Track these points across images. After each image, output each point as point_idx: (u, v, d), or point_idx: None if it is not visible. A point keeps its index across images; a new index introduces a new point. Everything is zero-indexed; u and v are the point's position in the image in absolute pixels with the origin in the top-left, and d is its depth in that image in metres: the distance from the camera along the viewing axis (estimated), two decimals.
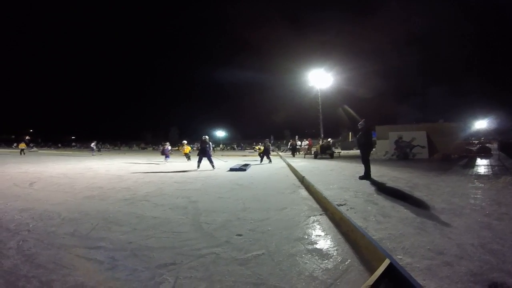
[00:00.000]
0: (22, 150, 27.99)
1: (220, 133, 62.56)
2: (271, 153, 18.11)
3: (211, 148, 12.39)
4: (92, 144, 26.68)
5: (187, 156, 17.08)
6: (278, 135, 63.14)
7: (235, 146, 59.05)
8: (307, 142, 26.19)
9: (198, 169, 11.31)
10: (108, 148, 53.89)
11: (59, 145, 67.13)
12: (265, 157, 15.88)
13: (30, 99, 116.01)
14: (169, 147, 16.80)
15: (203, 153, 11.66)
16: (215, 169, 11.27)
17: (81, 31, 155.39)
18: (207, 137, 11.93)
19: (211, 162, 11.64)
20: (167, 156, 16.47)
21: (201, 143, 11.92)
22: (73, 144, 67.35)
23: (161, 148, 17.75)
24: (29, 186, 7.37)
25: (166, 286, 2.23)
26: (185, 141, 18.04)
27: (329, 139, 25.26)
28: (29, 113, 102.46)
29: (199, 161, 11.81)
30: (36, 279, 2.36)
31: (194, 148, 21.76)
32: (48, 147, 58.96)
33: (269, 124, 74.01)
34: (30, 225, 3.86)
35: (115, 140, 68.48)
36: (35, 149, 46.56)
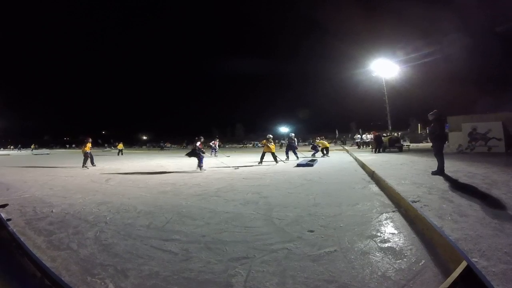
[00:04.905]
0: (120, 150, 28.49)
1: (284, 129, 61.92)
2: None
3: (296, 143, 15.53)
4: (212, 143, 23.92)
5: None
6: (343, 128, 60.66)
7: (300, 141, 58.64)
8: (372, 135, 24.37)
9: (265, 165, 12.27)
10: (174, 147, 57.34)
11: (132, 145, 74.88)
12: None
13: (100, 101, 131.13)
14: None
15: (290, 147, 14.87)
16: (281, 165, 12.30)
17: (154, 33, 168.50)
18: (293, 134, 15.62)
19: (295, 153, 14.76)
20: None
21: (289, 140, 15.44)
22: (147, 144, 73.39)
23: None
24: (105, 182, 8.39)
25: (238, 279, 2.36)
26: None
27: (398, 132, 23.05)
28: (100, 115, 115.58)
29: (287, 153, 14.82)
30: (112, 267, 2.65)
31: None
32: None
33: (333, 117, 72.44)
34: (108, 218, 4.40)
35: (181, 137, 71.52)
36: (108, 148, 52.56)
